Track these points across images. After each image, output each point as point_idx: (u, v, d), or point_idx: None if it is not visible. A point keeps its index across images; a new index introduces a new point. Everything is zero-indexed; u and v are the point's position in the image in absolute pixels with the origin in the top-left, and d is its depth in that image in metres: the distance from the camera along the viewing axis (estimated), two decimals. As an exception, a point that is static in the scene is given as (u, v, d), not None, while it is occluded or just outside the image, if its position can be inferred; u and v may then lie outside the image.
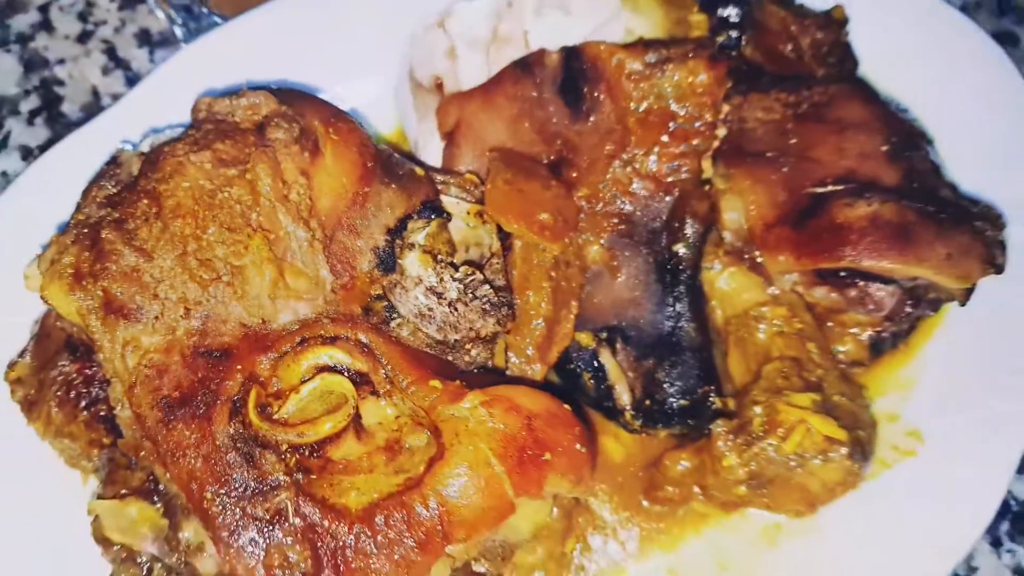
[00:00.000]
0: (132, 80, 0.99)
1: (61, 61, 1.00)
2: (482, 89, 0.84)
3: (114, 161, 0.66)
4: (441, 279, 0.67)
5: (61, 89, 0.99)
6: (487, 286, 0.69)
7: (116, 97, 0.97)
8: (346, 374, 0.59)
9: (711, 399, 0.77)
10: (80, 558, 0.67)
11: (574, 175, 0.81)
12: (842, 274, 0.75)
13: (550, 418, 0.60)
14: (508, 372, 0.75)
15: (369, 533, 0.54)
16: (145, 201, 0.60)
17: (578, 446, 0.60)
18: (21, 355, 0.70)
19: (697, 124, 0.79)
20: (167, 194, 0.60)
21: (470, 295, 0.68)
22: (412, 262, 0.66)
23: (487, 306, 0.69)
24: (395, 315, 0.65)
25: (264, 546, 0.53)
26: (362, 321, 0.63)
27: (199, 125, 0.66)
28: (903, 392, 0.84)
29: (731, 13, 0.91)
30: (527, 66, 0.82)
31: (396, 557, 0.55)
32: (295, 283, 0.61)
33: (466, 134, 0.84)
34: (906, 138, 0.81)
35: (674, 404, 0.76)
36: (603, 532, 0.78)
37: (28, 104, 0.98)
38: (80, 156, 0.81)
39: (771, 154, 0.80)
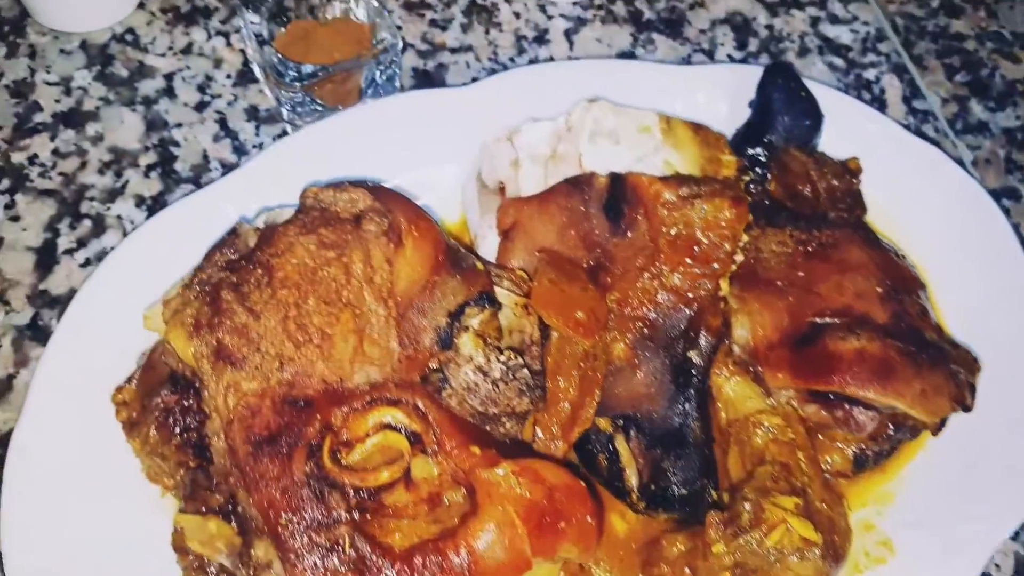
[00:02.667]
0: (238, 148, 1.14)
1: (179, 125, 1.16)
2: (538, 198, 0.98)
3: (234, 232, 0.80)
4: (488, 359, 0.79)
5: (176, 149, 1.14)
6: (526, 370, 0.81)
7: (223, 162, 1.13)
8: (403, 432, 0.71)
9: (708, 491, 0.88)
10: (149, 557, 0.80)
11: (608, 280, 0.94)
12: (831, 396, 0.86)
13: (568, 492, 0.71)
14: (534, 445, 0.87)
15: (408, 570, 0.65)
16: (259, 271, 0.74)
17: (589, 519, 0.71)
18: (128, 381, 0.83)
19: (718, 252, 0.91)
20: (278, 267, 0.73)
21: (511, 376, 0.80)
22: (466, 342, 0.79)
23: (524, 387, 0.81)
24: (447, 386, 0.78)
25: (323, 569, 0.64)
26: (420, 388, 0.75)
27: (307, 211, 0.80)
28: (881, 506, 0.94)
29: (759, 153, 1.04)
30: (578, 184, 0.96)
31: (428, 592, 0.66)
32: (370, 351, 0.74)
33: (520, 234, 0.97)
34: (899, 282, 0.92)
35: (675, 492, 0.87)
36: (600, 597, 0.88)
37: (146, 159, 1.13)
38: (192, 217, 0.95)
39: (780, 283, 0.92)
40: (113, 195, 1.09)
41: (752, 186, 1.03)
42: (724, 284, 0.93)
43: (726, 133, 1.09)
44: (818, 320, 0.88)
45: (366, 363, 0.74)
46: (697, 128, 1.02)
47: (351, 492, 0.67)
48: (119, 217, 1.07)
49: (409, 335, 0.77)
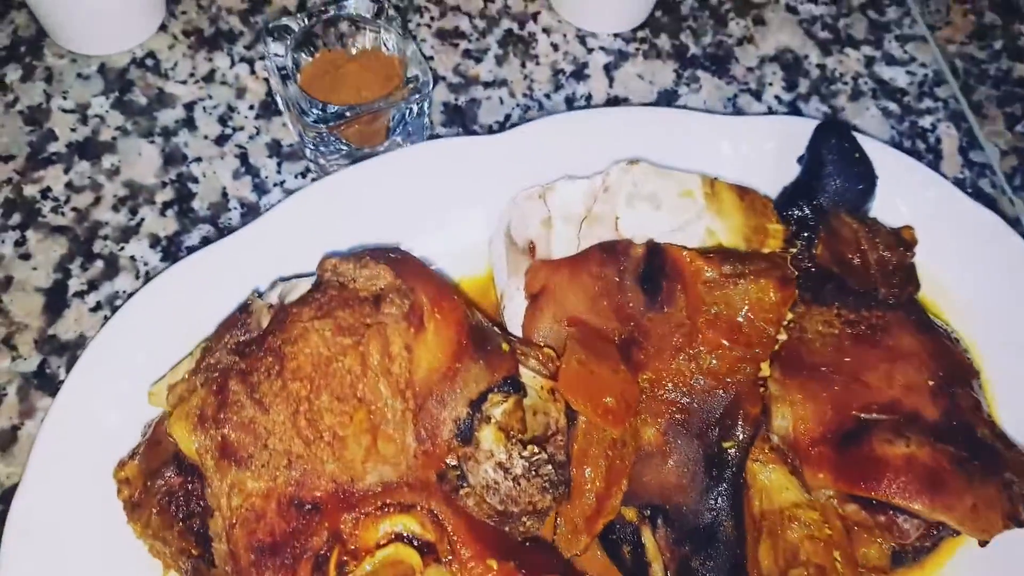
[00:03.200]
0: (258, 186, 1.09)
1: (198, 159, 1.11)
2: (570, 262, 0.92)
3: (246, 309, 0.76)
4: (510, 455, 0.74)
5: (194, 186, 1.09)
6: (550, 466, 0.76)
7: (242, 201, 1.08)
8: (415, 545, 0.67)
9: (737, 593, 0.83)
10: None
11: (641, 357, 0.88)
12: (874, 502, 0.81)
13: (590, 613, 0.67)
14: (556, 538, 0.82)
15: None
16: (270, 358, 0.69)
17: (611, 643, 0.67)
18: (131, 456, 0.79)
19: (760, 336, 0.86)
20: (290, 356, 0.69)
21: (533, 472, 0.75)
22: (487, 436, 0.74)
23: (547, 484, 0.76)
24: (464, 484, 0.73)
25: None
26: (436, 490, 0.70)
27: (324, 287, 0.75)
28: (920, 606, 0.89)
29: (808, 216, 0.98)
30: (614, 252, 0.90)
31: None
32: (384, 449, 0.69)
33: (549, 300, 0.92)
34: (952, 372, 0.86)
35: (703, 592, 0.82)
36: None
37: (163, 195, 1.08)
38: (208, 270, 0.91)
39: (825, 369, 0.86)
40: (127, 234, 1.05)
41: (799, 256, 0.97)
42: (765, 366, 0.88)
43: (772, 188, 1.03)
44: (864, 416, 0.82)
45: (380, 462, 0.69)
46: (743, 192, 0.96)
47: (358, 612, 0.63)
48: (132, 258, 1.03)
49: (427, 427, 0.72)
